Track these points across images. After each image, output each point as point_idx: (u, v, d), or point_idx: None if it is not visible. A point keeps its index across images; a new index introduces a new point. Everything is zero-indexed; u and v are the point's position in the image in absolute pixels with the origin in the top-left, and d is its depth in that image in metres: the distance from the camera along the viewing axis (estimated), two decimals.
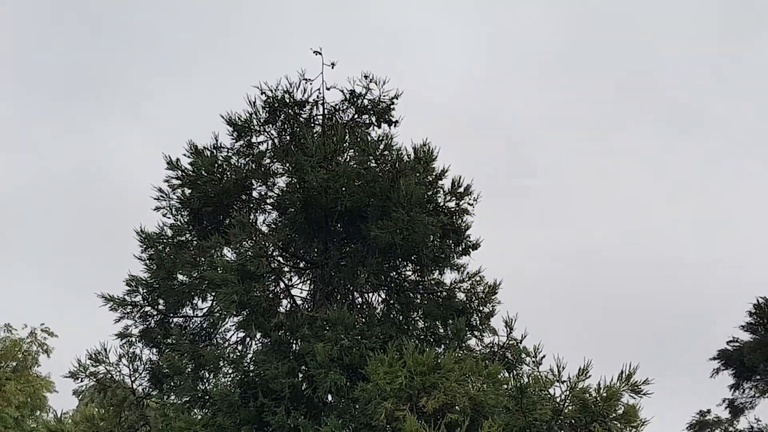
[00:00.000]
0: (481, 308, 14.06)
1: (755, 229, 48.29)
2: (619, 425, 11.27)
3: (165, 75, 47.72)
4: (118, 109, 48.53)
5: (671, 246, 47.09)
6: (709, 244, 48.23)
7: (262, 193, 14.60)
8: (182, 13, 46.31)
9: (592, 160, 47.08)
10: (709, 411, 32.37)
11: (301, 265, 14.59)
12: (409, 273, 14.43)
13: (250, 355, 13.64)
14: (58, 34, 47.00)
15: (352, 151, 14.14)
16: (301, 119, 14.90)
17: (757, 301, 31.07)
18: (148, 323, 14.32)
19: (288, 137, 14.78)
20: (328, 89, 14.96)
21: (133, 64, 47.01)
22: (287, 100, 14.84)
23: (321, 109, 15.04)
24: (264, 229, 14.26)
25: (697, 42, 46.35)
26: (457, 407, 10.87)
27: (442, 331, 13.94)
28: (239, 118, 14.67)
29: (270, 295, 13.88)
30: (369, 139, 14.51)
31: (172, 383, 13.51)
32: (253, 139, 14.81)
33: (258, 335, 13.68)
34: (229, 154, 14.66)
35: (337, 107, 15.12)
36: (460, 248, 14.37)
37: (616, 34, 46.04)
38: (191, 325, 14.44)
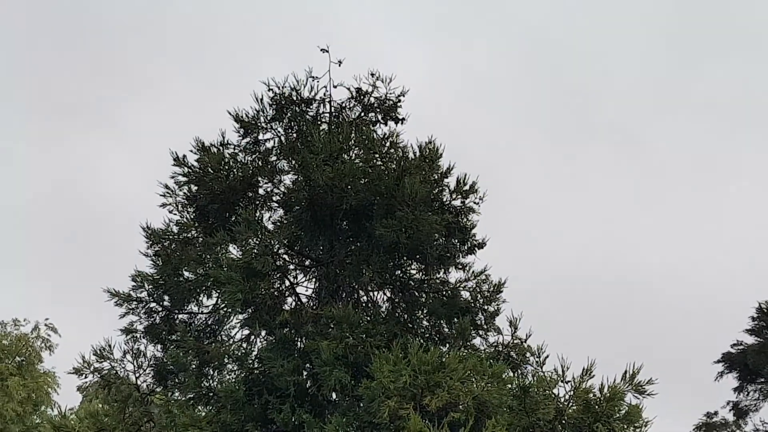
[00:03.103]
0: (486, 307, 14.04)
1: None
2: (622, 425, 11.28)
3: (141, 93, 48.61)
4: (97, 124, 49.49)
5: (649, 251, 47.86)
6: (684, 250, 49.14)
7: (268, 190, 14.58)
8: (158, 35, 47.26)
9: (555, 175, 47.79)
10: (716, 413, 32.41)
11: (307, 263, 14.59)
12: (414, 271, 14.40)
13: (254, 353, 13.66)
14: (40, 50, 47.80)
15: (358, 149, 14.14)
16: (308, 117, 14.88)
17: (760, 305, 31.12)
18: (153, 319, 14.31)
19: (294, 135, 14.75)
20: (335, 87, 14.93)
21: (111, 82, 47.94)
22: (294, 98, 14.81)
23: (328, 106, 15.02)
24: (270, 226, 14.23)
25: (647, 62, 47.79)
26: (460, 406, 10.88)
27: (446, 329, 13.92)
28: (246, 115, 14.66)
29: (275, 293, 13.88)
30: (375, 137, 14.52)
31: (176, 380, 13.55)
32: (260, 136, 14.78)
33: (263, 333, 13.69)
34: (236, 150, 14.64)
35: (344, 105, 15.10)
36: (466, 247, 14.36)
37: (570, 56, 47.39)
38: (196, 322, 14.44)
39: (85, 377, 14.01)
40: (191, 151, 14.42)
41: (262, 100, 14.75)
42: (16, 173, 48.60)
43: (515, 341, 13.58)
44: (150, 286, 14.15)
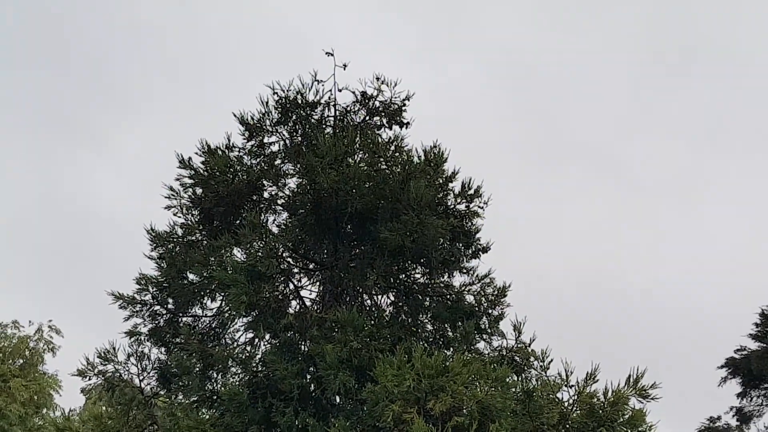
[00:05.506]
0: (490, 311, 14.02)
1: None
2: (626, 430, 11.26)
3: (126, 109, 49.14)
4: (83, 140, 50.01)
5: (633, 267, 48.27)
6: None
7: (273, 193, 14.58)
8: (144, 54, 47.68)
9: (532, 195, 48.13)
10: (719, 417, 32.29)
11: (311, 266, 14.60)
12: (419, 275, 14.41)
13: (258, 356, 13.67)
14: (28, 68, 48.23)
15: (363, 152, 14.13)
16: (313, 120, 14.87)
17: (763, 310, 31.04)
18: (157, 322, 14.33)
19: (299, 138, 14.75)
20: (339, 90, 14.93)
21: (96, 99, 48.43)
22: (299, 101, 14.80)
23: (332, 110, 15.02)
24: (274, 229, 14.26)
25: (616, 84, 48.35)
26: (464, 410, 10.86)
27: (450, 333, 13.92)
28: (252, 118, 14.64)
29: (279, 296, 13.89)
30: (380, 141, 14.50)
31: (180, 383, 13.53)
32: (265, 140, 14.78)
33: (267, 336, 13.68)
34: (241, 153, 14.63)
35: (349, 109, 15.08)
36: (470, 251, 14.35)
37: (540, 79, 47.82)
38: (200, 325, 14.46)
39: (89, 379, 14.01)
40: (196, 153, 14.43)
41: (267, 103, 14.74)
42: (6, 185, 49.07)
43: (519, 345, 13.54)
44: (154, 289, 14.16)
